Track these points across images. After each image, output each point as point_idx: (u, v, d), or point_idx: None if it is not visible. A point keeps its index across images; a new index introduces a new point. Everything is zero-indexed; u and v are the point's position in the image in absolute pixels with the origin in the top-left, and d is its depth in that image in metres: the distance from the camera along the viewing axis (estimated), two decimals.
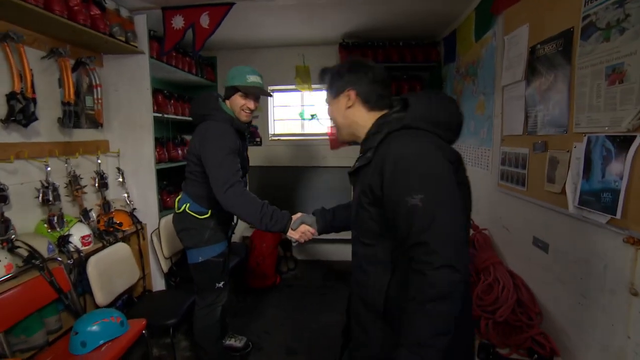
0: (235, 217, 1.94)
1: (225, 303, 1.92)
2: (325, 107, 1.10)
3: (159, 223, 2.42)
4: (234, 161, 1.54)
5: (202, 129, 1.63)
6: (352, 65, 1.02)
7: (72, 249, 1.83)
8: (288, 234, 1.47)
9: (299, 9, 2.50)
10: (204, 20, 2.31)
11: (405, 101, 0.97)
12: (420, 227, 0.79)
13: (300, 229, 1.45)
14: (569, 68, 1.44)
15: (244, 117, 1.67)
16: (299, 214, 1.50)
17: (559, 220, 1.51)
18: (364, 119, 1.00)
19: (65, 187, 2.03)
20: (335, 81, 1.03)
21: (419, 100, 0.94)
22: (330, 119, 1.08)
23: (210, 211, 1.74)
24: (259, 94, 1.67)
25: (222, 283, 1.81)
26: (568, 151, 1.45)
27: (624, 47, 1.18)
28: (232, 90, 1.65)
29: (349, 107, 1.01)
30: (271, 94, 1.71)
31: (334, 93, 1.03)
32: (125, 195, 2.40)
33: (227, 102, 1.70)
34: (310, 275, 3.34)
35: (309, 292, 3.02)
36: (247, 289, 3.03)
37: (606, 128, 1.25)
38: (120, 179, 2.40)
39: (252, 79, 1.63)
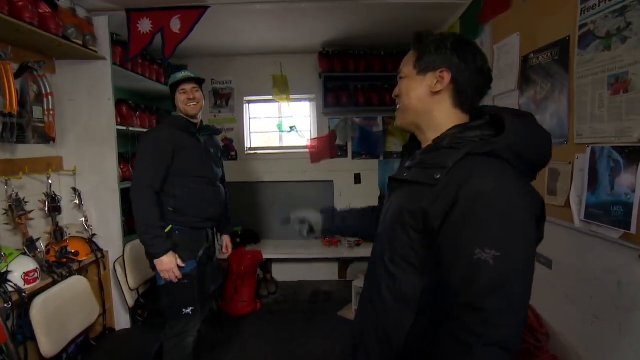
0: (210, 237, 1.86)
1: (198, 335, 1.77)
2: (400, 80, 0.85)
3: (123, 250, 2.20)
4: (152, 165, 1.65)
5: None
6: (458, 42, 0.79)
7: (11, 289, 1.57)
8: (155, 262, 1.64)
9: (277, 14, 2.42)
10: (175, 25, 2.17)
11: (495, 117, 0.76)
12: (483, 289, 0.64)
13: (166, 266, 1.63)
14: (567, 77, 1.44)
15: (190, 110, 1.77)
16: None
17: (564, 235, 1.48)
18: (444, 115, 0.80)
19: (5, 214, 1.77)
20: (429, 52, 0.79)
21: (519, 125, 0.73)
22: (397, 95, 0.86)
23: (170, 226, 1.70)
24: (191, 82, 1.78)
25: (190, 309, 1.70)
26: (570, 162, 1.43)
27: (628, 56, 1.17)
28: (172, 95, 1.81)
29: (435, 93, 0.79)
30: (202, 78, 1.85)
31: (421, 67, 0.80)
32: (83, 219, 2.17)
33: (176, 109, 1.82)
34: (294, 299, 3.18)
35: (293, 317, 2.87)
36: (224, 318, 2.82)
37: (612, 139, 1.23)
38: (77, 201, 2.16)
39: (181, 74, 1.79)
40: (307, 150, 3.45)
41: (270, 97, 3.45)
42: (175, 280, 1.65)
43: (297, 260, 3.36)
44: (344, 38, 2.94)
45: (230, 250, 2.10)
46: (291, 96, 3.41)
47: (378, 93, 3.23)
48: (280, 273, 3.46)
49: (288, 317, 2.84)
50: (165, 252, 1.62)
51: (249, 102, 3.57)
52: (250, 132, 3.62)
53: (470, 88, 0.79)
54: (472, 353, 0.64)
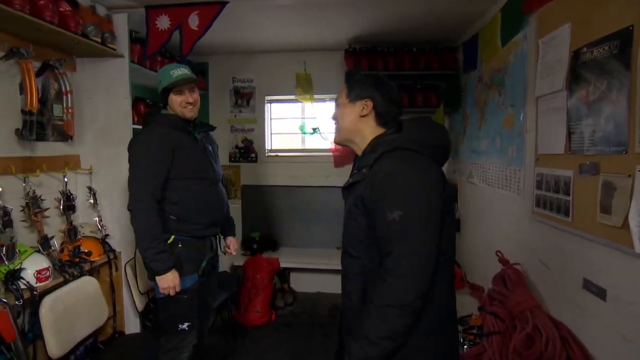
0: (214, 245, 1.82)
1: (193, 350, 1.74)
2: (335, 107, 1.20)
3: (135, 252, 2.22)
4: (149, 174, 1.58)
5: None
6: (377, 81, 1.14)
7: (23, 287, 1.62)
8: (157, 279, 1.58)
9: (299, 10, 2.39)
10: (193, 21, 2.19)
11: (400, 125, 1.13)
12: (394, 239, 0.94)
13: (170, 283, 1.57)
14: (628, 75, 1.26)
15: (188, 113, 1.70)
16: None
17: (621, 262, 1.30)
18: (370, 131, 1.13)
19: (22, 211, 1.85)
20: (357, 87, 1.13)
21: (411, 124, 1.10)
22: (334, 118, 1.19)
23: (173, 236, 1.64)
24: (190, 83, 1.69)
25: (186, 325, 1.67)
26: (629, 175, 1.25)
27: None
28: (165, 94, 1.69)
29: (363, 116, 1.13)
30: (199, 79, 1.77)
31: (352, 97, 1.14)
32: (97, 219, 2.22)
33: (169, 107, 1.73)
34: (312, 311, 3.12)
35: (311, 331, 2.80)
36: (237, 328, 2.80)
37: None
38: (92, 200, 2.22)
39: (177, 72, 1.66)
40: (331, 153, 3.39)
41: (293, 97, 3.42)
42: (173, 294, 1.60)
43: (316, 270, 3.29)
44: (371, 34, 2.86)
45: (234, 249, 1.94)
46: (315, 96, 3.37)
47: (409, 93, 3.10)
48: (299, 283, 3.41)
49: (305, 331, 2.79)
50: (170, 269, 1.56)
51: (271, 101, 3.56)
52: (271, 134, 3.61)
53: (386, 113, 1.13)
54: (387, 284, 0.93)
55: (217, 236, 1.87)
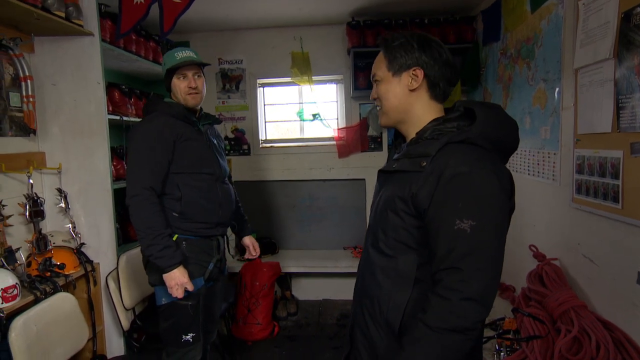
0: (221, 246, 1.82)
1: None
2: (374, 85, 1.10)
3: (117, 262, 2.16)
4: (151, 162, 1.60)
5: None
6: (422, 41, 1.03)
7: None
8: (164, 277, 1.59)
9: None
10: None
11: (469, 110, 1.02)
12: (462, 253, 0.88)
13: (178, 280, 1.58)
14: None
15: (190, 101, 1.72)
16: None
17: None
18: (423, 108, 1.04)
19: None
20: (400, 54, 1.02)
21: (488, 114, 0.98)
22: (376, 98, 1.10)
23: (176, 235, 1.66)
24: (195, 67, 1.72)
25: (191, 336, 1.69)
26: None
27: None
28: (168, 78, 1.73)
29: (413, 90, 1.03)
30: (207, 62, 1.80)
31: (396, 68, 1.03)
32: (70, 225, 2.16)
33: (172, 95, 1.78)
34: (318, 321, 3.09)
35: (318, 343, 2.78)
36: (235, 344, 2.77)
37: None
38: (62, 204, 2.14)
39: (181, 55, 1.70)
40: (334, 142, 3.38)
41: (288, 79, 3.38)
42: (182, 296, 1.60)
43: (322, 274, 3.28)
44: (377, 5, 2.81)
45: (258, 250, 2.03)
46: (314, 77, 3.32)
47: None
48: (302, 290, 3.40)
49: (312, 344, 2.77)
50: (178, 264, 1.59)
51: (264, 85, 3.51)
52: (265, 122, 3.57)
53: (441, 80, 1.02)
54: (452, 305, 0.87)
55: (225, 237, 1.86)
